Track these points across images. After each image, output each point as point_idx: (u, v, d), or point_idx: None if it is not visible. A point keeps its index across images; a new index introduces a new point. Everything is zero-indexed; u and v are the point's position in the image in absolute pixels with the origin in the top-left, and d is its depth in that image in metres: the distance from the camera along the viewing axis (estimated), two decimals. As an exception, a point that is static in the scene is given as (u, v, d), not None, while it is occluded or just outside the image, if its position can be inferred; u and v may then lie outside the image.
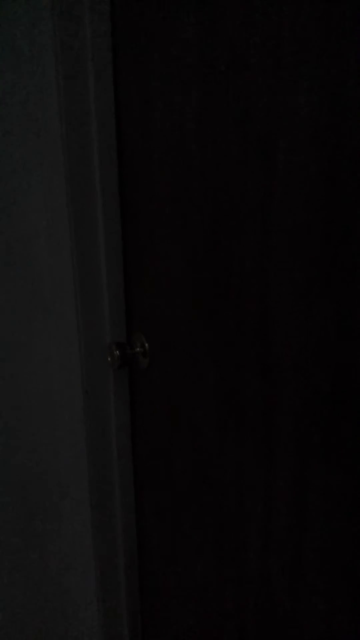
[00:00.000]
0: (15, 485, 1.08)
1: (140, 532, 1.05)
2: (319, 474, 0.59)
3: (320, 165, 0.52)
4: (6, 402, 1.04)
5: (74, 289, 0.90)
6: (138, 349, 0.91)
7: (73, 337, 0.94)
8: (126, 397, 0.98)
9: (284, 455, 0.64)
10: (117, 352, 0.90)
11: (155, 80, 0.74)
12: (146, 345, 0.90)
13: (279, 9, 0.53)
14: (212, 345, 0.73)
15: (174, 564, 0.94)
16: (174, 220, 0.76)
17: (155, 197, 0.80)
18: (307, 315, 0.57)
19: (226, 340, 0.70)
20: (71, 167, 0.84)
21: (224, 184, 0.65)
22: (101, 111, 0.83)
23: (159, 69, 0.73)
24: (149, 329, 0.89)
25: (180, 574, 0.93)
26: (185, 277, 0.76)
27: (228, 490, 0.75)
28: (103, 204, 0.87)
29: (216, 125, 0.65)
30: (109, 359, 0.92)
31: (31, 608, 1.16)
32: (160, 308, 0.84)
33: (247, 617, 0.77)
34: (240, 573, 0.76)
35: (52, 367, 1.05)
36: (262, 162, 0.59)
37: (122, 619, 1.09)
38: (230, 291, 0.68)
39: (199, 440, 0.80)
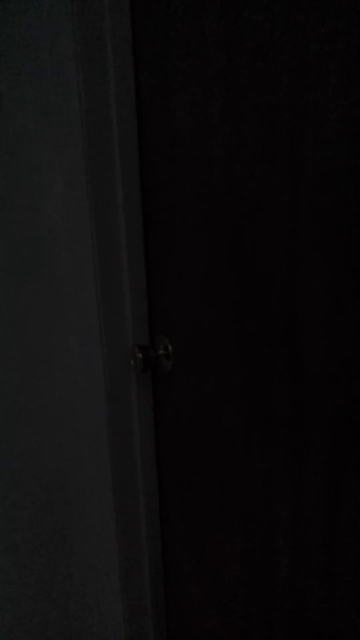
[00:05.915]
0: (40, 491, 1.07)
1: (164, 538, 1.03)
2: (351, 483, 0.56)
3: (349, 161, 0.49)
4: (31, 408, 1.03)
5: (96, 291, 0.89)
6: (161, 352, 0.89)
7: (95, 341, 0.93)
8: (149, 401, 0.96)
9: (314, 464, 0.61)
10: (140, 354, 0.88)
11: (177, 76, 0.72)
12: (169, 347, 0.88)
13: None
14: (237, 348, 0.71)
15: (200, 573, 0.92)
16: (197, 219, 0.74)
17: (178, 195, 0.78)
18: (338, 317, 0.54)
19: (253, 343, 0.68)
20: (92, 168, 0.83)
21: (248, 181, 0.63)
22: (122, 109, 0.82)
23: (181, 65, 0.71)
24: (172, 331, 0.87)
25: (206, 583, 0.91)
26: (209, 277, 0.74)
27: (255, 499, 0.73)
28: (124, 203, 0.85)
29: (240, 121, 0.62)
30: (131, 362, 0.91)
31: (54, 623, 1.15)
32: (183, 310, 0.82)
33: (275, 631, 0.74)
34: (268, 585, 0.74)
35: (74, 371, 1.04)
36: (288, 158, 0.56)
37: (149, 629, 1.08)
38: (256, 292, 0.65)
39: (223, 447, 0.78)
